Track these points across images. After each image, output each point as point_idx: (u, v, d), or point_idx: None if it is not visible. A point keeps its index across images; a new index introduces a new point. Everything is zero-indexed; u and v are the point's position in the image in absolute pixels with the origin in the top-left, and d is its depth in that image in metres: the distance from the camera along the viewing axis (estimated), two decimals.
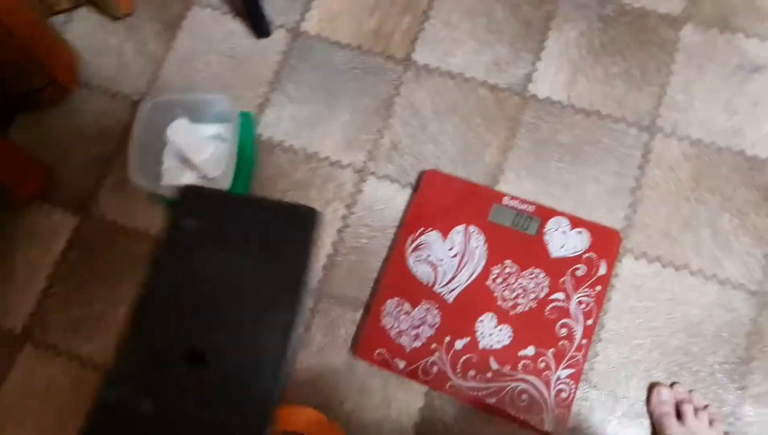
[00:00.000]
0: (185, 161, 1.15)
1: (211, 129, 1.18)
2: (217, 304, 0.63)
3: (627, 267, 1.10)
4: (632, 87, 1.19)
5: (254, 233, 0.64)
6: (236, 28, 1.28)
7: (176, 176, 1.16)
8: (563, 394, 1.03)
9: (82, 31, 1.31)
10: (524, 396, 1.03)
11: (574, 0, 1.23)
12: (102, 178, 1.22)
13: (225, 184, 1.13)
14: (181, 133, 1.11)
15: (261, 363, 0.59)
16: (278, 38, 1.27)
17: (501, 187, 1.15)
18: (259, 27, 1.24)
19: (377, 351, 1.07)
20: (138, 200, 1.19)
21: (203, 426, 0.59)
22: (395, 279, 1.11)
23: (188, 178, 1.15)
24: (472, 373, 1.05)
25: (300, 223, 0.65)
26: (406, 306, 1.09)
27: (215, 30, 1.28)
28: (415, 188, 1.16)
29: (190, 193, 0.70)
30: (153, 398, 0.60)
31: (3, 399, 1.10)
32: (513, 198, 1.13)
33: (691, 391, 1.03)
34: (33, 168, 1.20)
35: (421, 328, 1.08)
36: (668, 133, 1.16)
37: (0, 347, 1.13)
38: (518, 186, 1.15)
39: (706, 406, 1.02)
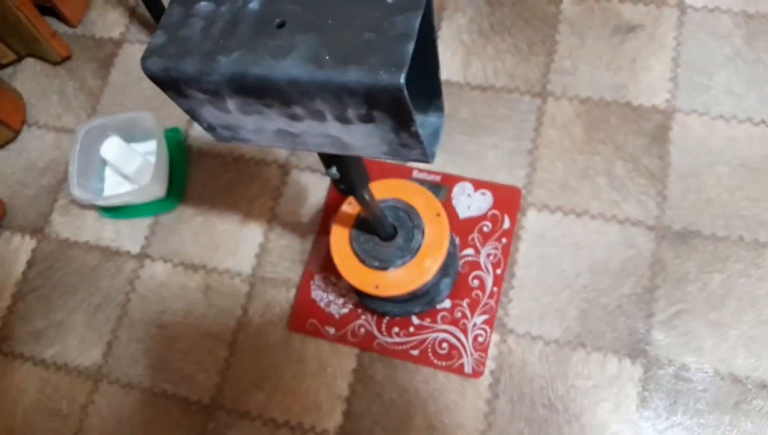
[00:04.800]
0: (123, 175, 1.26)
1: (144, 146, 1.30)
2: None
3: (531, 219, 1.18)
4: (521, 60, 1.29)
5: None
6: None
7: (116, 189, 1.27)
8: (480, 339, 1.10)
9: (27, 78, 1.45)
10: (444, 344, 1.11)
11: None
12: (53, 203, 1.33)
13: (159, 192, 1.24)
14: (112, 149, 1.23)
15: None
16: None
17: (410, 163, 1.25)
18: None
19: (309, 322, 1.16)
20: (86, 217, 1.30)
21: None
22: (322, 256, 1.20)
23: (126, 189, 1.26)
24: (396, 329, 1.13)
25: None
26: (333, 278, 1.18)
27: None
28: None
29: None
30: None
31: None
32: (421, 171, 1.23)
33: None
34: None
35: (348, 295, 1.16)
36: (558, 96, 1.26)
37: None
38: None
39: None
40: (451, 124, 1.26)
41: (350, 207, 1.02)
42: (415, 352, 1.11)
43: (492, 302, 1.12)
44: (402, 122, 0.58)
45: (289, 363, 1.15)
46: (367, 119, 0.59)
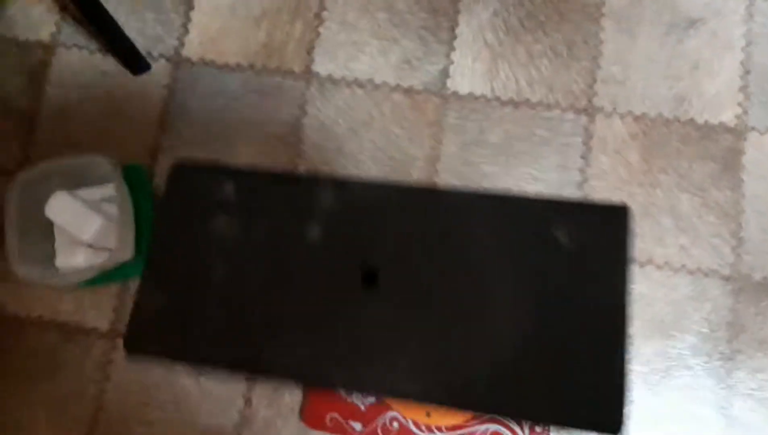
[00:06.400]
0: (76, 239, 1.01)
1: (97, 192, 1.04)
2: None
3: None
4: (561, 65, 1.06)
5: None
6: (109, 66, 1.11)
7: (70, 252, 1.02)
8: (538, 428, 0.93)
9: None
10: None
11: None
12: None
13: (126, 255, 0.99)
14: (61, 210, 0.97)
15: None
16: (159, 70, 1.11)
17: None
18: (133, 62, 1.08)
19: (329, 416, 0.96)
20: (37, 286, 1.05)
21: None
22: None
23: (82, 253, 1.01)
24: None
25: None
26: None
27: (86, 73, 1.12)
28: None
29: None
30: None
31: None
32: None
33: None
34: None
35: None
36: (609, 113, 1.04)
37: None
38: None
39: None
40: (477, 151, 1.04)
41: None
42: None
43: None
44: None
45: None
46: None
